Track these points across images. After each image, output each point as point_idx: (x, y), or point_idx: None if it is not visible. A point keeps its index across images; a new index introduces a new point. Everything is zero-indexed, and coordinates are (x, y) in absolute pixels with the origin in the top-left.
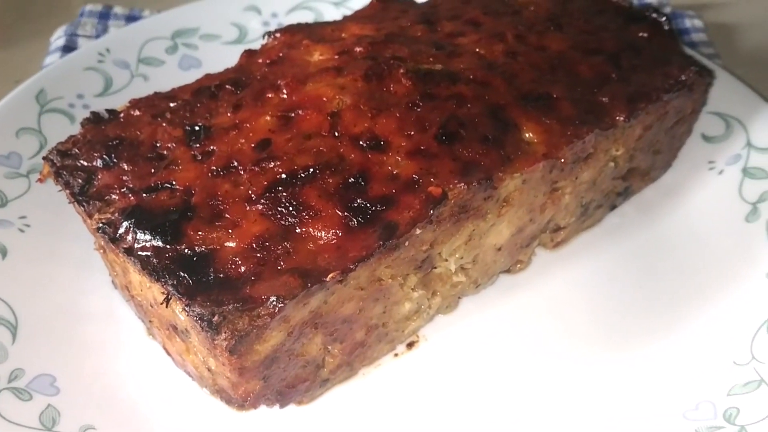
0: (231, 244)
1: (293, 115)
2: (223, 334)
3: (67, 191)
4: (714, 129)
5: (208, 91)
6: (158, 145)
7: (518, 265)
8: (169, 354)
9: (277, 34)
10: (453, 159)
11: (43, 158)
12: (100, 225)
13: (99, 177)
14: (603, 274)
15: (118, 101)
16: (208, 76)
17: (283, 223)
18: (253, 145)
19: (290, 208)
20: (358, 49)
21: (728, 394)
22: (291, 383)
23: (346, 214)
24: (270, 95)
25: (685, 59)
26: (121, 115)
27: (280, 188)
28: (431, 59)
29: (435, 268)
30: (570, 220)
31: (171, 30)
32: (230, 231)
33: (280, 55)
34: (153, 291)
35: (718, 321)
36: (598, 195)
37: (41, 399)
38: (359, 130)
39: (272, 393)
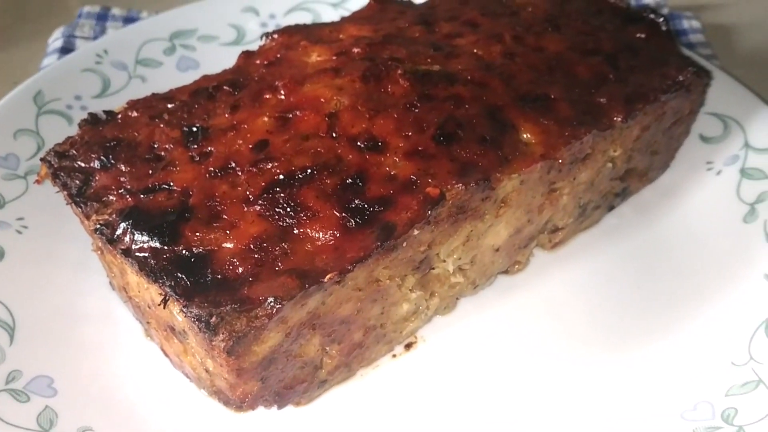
0: (229, 245)
1: (291, 116)
2: (221, 335)
3: (65, 192)
4: (712, 130)
5: (205, 92)
6: (156, 146)
7: (516, 266)
8: (166, 355)
9: (275, 36)
10: (451, 160)
11: (41, 159)
12: (98, 226)
13: (96, 178)
14: (601, 275)
15: (116, 102)
16: (205, 78)
17: (280, 224)
18: (250, 146)
19: (288, 209)
20: (355, 50)
21: (726, 394)
22: (289, 384)
23: (343, 214)
24: (268, 96)
25: (682, 60)
26: (119, 116)
27: (277, 189)
28: (429, 60)
29: (433, 268)
30: (568, 221)
31: (169, 31)
32: (228, 232)
33: (278, 56)
34: (150, 292)
35: (716, 321)
36: (596, 196)
37: (39, 400)
38: (357, 131)
39: (270, 394)
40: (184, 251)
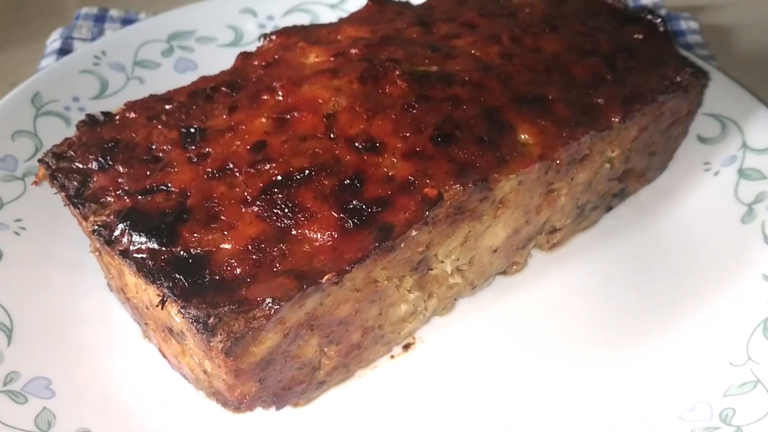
0: (226, 246)
1: (289, 117)
2: (219, 336)
3: (63, 194)
4: (709, 130)
5: (203, 93)
6: (154, 147)
7: (514, 267)
8: (164, 356)
9: (273, 37)
10: (448, 160)
11: (39, 161)
12: (96, 227)
13: (94, 179)
14: (599, 276)
15: (114, 104)
16: (203, 79)
17: (278, 224)
18: (248, 147)
19: (286, 210)
20: (353, 51)
21: (724, 394)
22: (287, 385)
23: (341, 215)
24: (265, 97)
25: (680, 61)
26: (117, 117)
27: (275, 190)
28: (427, 61)
29: (431, 269)
30: (566, 222)
31: (167, 33)
32: (226, 233)
33: (276, 57)
34: (148, 293)
35: (714, 322)
36: (594, 196)
37: (37, 402)
38: (355, 132)
39: (268, 395)
40: (182, 252)
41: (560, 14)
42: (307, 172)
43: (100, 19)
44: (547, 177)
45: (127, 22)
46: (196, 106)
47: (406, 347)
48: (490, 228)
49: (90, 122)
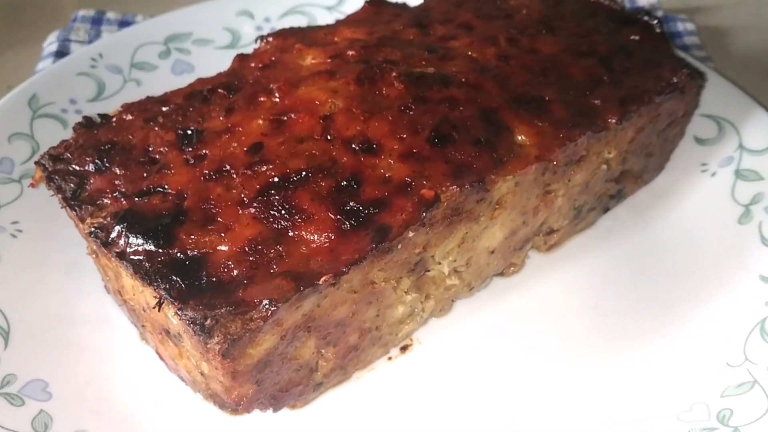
0: (223, 248)
1: (285, 118)
2: (216, 337)
3: (59, 196)
4: (706, 131)
5: (200, 95)
6: (150, 149)
7: (511, 268)
8: (162, 358)
9: (270, 38)
10: (445, 162)
11: (35, 163)
12: (92, 229)
13: (91, 181)
14: (596, 277)
15: (111, 106)
16: (200, 81)
17: (275, 226)
18: (245, 149)
19: (283, 212)
20: (350, 52)
21: (722, 395)
22: (284, 387)
23: (338, 217)
24: (262, 99)
25: (676, 62)
26: (114, 119)
27: (272, 192)
28: (424, 62)
29: (428, 271)
30: (563, 223)
31: (164, 35)
32: (223, 235)
33: (273, 59)
34: (145, 295)
35: (712, 323)
36: (591, 197)
37: (33, 404)
38: (352, 134)
39: (265, 397)
40: (178, 254)
41: (557, 16)
42: (303, 173)
43: (97, 21)
44: (544, 178)
45: (124, 24)
46: (193, 108)
47: (404, 349)
48: (487, 229)
49: (87, 124)
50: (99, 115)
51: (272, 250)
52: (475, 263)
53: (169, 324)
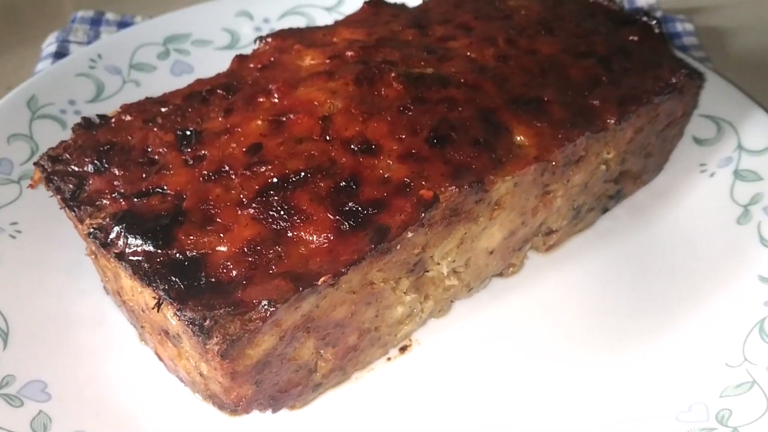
0: (222, 249)
1: (284, 119)
2: (215, 338)
3: (58, 197)
4: (705, 132)
5: (199, 95)
6: (149, 149)
7: (511, 269)
8: (161, 359)
9: (269, 39)
10: (444, 162)
11: (35, 164)
12: (91, 230)
13: (90, 182)
14: (595, 277)
15: (110, 107)
16: (199, 81)
17: (274, 227)
18: (244, 150)
19: (282, 212)
20: (349, 53)
21: (721, 395)
22: (283, 388)
23: (337, 217)
24: (261, 100)
25: (675, 62)
26: (113, 120)
27: (271, 192)
28: (422, 63)
29: (427, 271)
30: (562, 224)
31: (163, 36)
32: (222, 235)
33: (272, 59)
34: (144, 296)
35: (711, 323)
36: (590, 198)
37: (32, 405)
38: (350, 134)
39: (265, 398)
40: (177, 255)
41: (556, 16)
42: (302, 174)
43: (96, 22)
44: (543, 178)
45: (123, 25)
46: (192, 108)
47: (403, 349)
48: (486, 230)
49: (86, 125)
50: (98, 115)
51: (271, 251)
52: (474, 264)
53: (168, 325)
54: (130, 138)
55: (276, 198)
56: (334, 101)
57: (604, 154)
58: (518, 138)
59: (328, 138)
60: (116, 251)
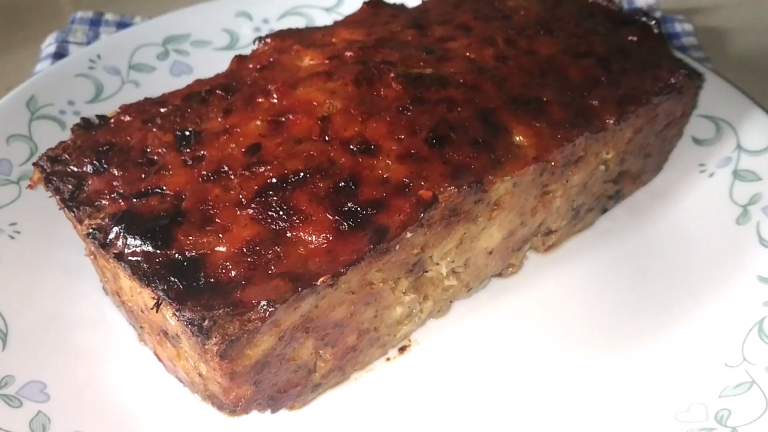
0: (221, 249)
1: (283, 119)
2: (214, 338)
3: (57, 197)
4: (704, 132)
5: (198, 96)
6: (149, 150)
7: (510, 269)
8: (160, 360)
9: (268, 40)
10: (443, 162)
11: (34, 164)
12: (90, 230)
13: (89, 182)
14: (595, 278)
15: (109, 108)
16: (198, 82)
17: (273, 227)
18: (243, 150)
19: (281, 213)
20: (348, 53)
21: (720, 395)
22: (282, 388)
23: (336, 218)
24: (260, 100)
25: (674, 62)
26: (112, 120)
27: (270, 192)
28: (422, 63)
29: (426, 271)
30: (561, 224)
31: (162, 36)
32: (221, 235)
33: (271, 60)
34: (143, 296)
35: (710, 323)
36: (589, 198)
37: (31, 406)
38: (350, 135)
39: (264, 398)
40: (176, 255)
41: (555, 17)
42: (301, 174)
43: (96, 23)
44: (542, 179)
45: (122, 25)
46: (191, 109)
47: (402, 349)
48: (486, 230)
49: (85, 125)
50: (97, 116)
51: (270, 251)
52: (473, 264)
53: (167, 325)
54: (129, 138)
55: (275, 198)
56: (333, 101)
57: (603, 154)
58: (517, 138)
59: (327, 138)
60: (115, 251)
